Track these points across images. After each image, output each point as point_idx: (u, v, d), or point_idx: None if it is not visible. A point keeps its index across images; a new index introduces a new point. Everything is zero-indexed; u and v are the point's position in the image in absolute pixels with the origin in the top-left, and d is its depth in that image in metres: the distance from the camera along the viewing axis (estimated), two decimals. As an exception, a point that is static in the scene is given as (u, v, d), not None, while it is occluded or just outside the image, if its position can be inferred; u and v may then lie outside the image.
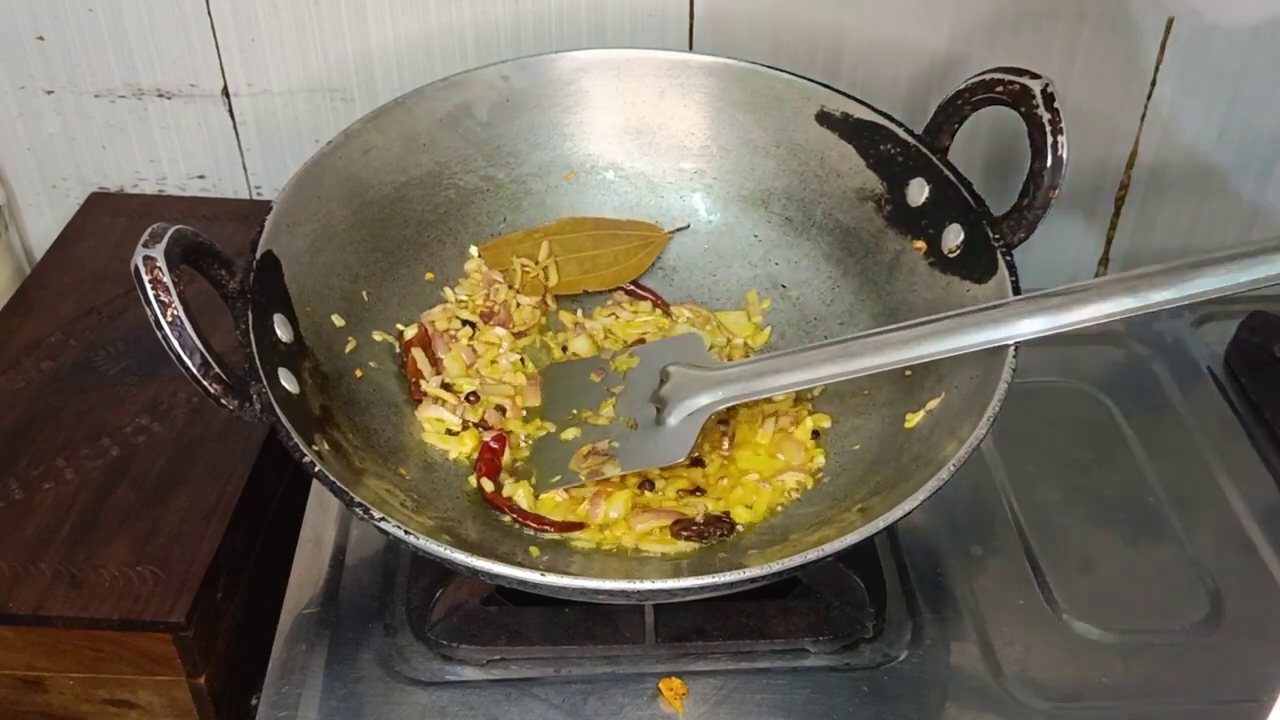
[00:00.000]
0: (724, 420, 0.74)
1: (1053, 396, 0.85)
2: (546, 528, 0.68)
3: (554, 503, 0.69)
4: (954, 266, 0.72)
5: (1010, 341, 0.63)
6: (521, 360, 0.78)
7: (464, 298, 0.79)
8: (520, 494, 0.70)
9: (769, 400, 0.74)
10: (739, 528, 0.68)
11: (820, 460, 0.72)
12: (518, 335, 0.79)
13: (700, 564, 0.66)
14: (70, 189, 0.98)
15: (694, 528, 0.67)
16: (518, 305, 0.79)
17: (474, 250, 0.81)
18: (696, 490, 0.70)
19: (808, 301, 0.80)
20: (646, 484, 0.70)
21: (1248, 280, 0.62)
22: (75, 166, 0.97)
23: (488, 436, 0.73)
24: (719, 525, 0.67)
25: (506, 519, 0.69)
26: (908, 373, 0.70)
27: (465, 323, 0.78)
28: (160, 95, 0.93)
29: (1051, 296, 0.64)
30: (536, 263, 0.81)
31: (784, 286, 0.81)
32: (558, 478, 0.70)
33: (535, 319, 0.79)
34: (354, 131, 0.76)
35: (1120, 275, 0.64)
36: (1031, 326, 0.63)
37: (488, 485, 0.70)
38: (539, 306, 0.80)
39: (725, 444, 0.73)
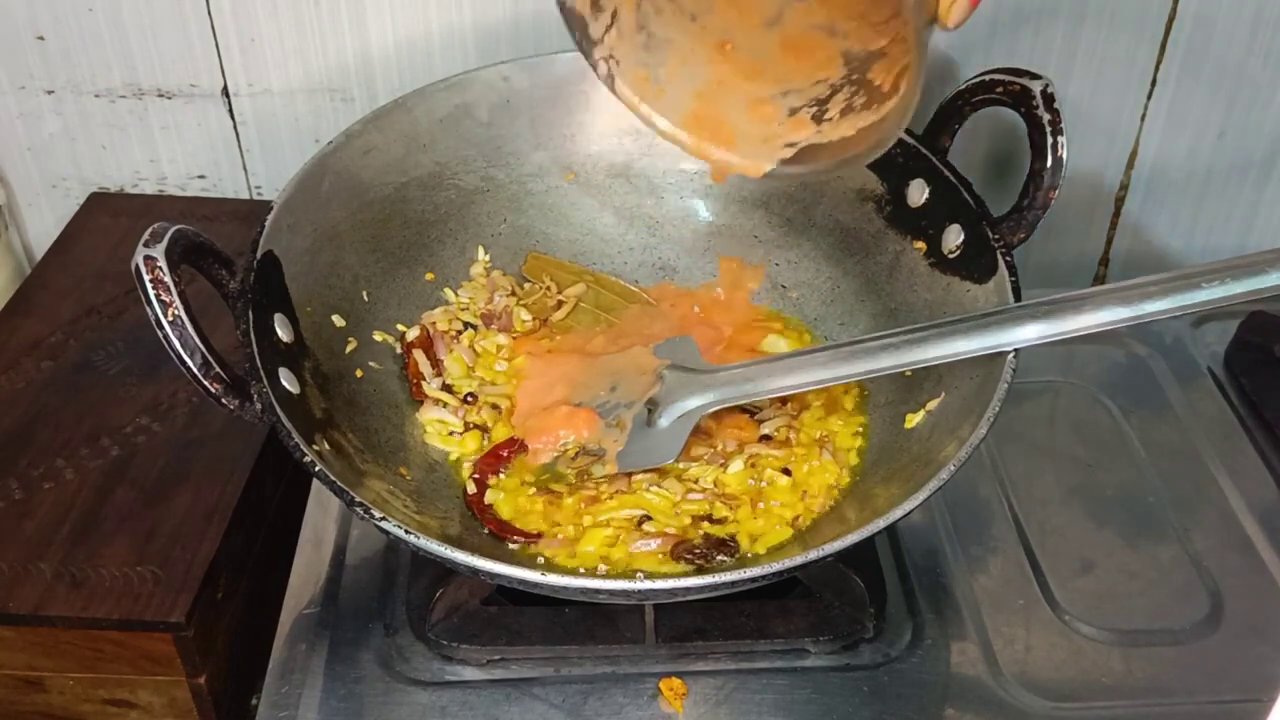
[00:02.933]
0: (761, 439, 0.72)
1: (1053, 396, 0.85)
2: (516, 538, 0.67)
3: (527, 509, 0.69)
4: (954, 267, 0.72)
5: (1004, 349, 0.63)
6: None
7: (466, 300, 0.79)
8: (500, 499, 0.69)
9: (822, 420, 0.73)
10: (742, 552, 0.66)
11: (846, 481, 0.70)
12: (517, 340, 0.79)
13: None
14: (70, 189, 0.98)
15: (695, 550, 0.65)
16: (521, 319, 0.79)
17: (481, 252, 0.81)
18: (709, 518, 0.68)
19: (808, 302, 0.80)
20: (645, 519, 0.68)
21: (1242, 293, 0.62)
22: (75, 166, 0.97)
23: (500, 441, 0.73)
24: (723, 548, 0.66)
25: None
26: (907, 373, 0.70)
27: (467, 325, 0.78)
28: (160, 95, 0.93)
29: (1045, 305, 0.64)
30: (558, 290, 0.80)
31: (784, 287, 0.81)
32: (545, 476, 0.70)
33: (534, 329, 0.79)
34: (354, 132, 0.76)
35: (1116, 285, 0.64)
36: (1026, 334, 0.63)
37: (471, 487, 0.70)
38: (536, 322, 0.79)
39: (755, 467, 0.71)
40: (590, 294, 0.80)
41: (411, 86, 0.79)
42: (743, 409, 0.73)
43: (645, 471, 0.70)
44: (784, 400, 0.74)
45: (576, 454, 0.71)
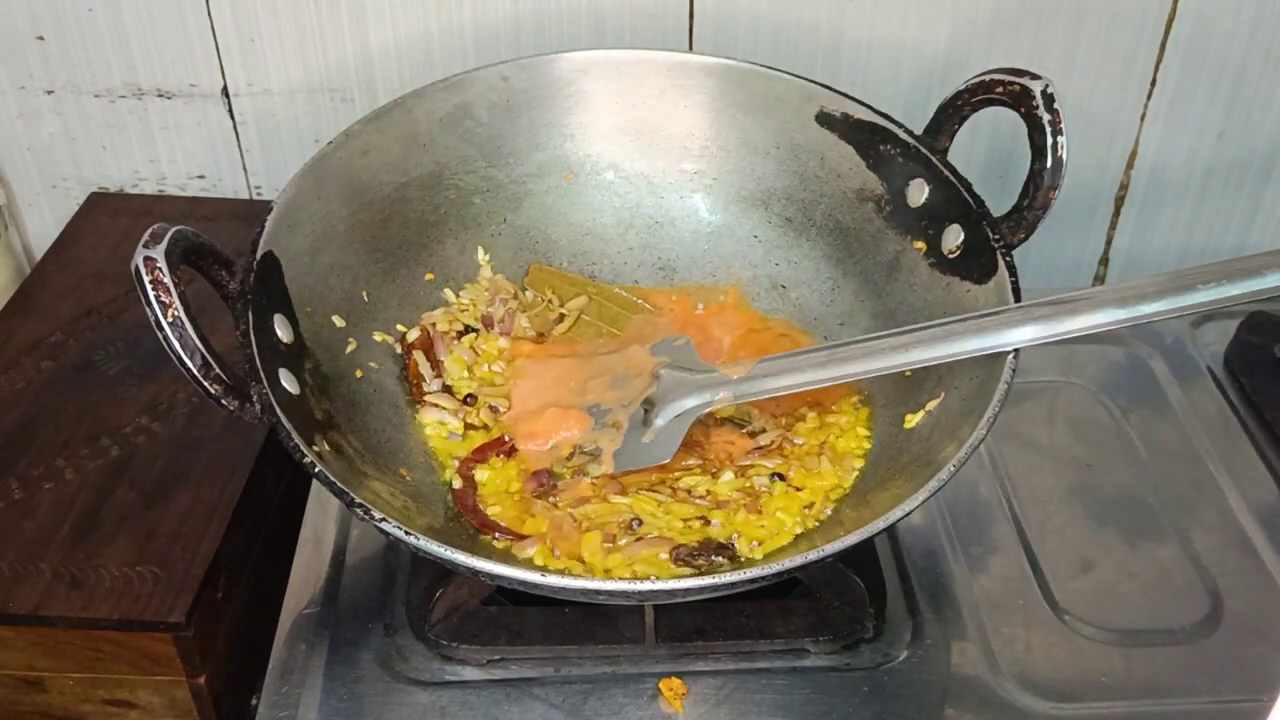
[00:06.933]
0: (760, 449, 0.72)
1: (1053, 396, 0.85)
2: (499, 535, 0.67)
3: (515, 513, 0.68)
4: (954, 267, 0.72)
5: (1003, 349, 0.63)
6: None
7: (466, 302, 0.79)
8: (489, 497, 0.69)
9: (828, 426, 0.73)
10: (741, 558, 0.66)
11: (850, 481, 0.70)
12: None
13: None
14: (70, 189, 0.98)
15: (694, 552, 0.65)
16: (522, 326, 0.79)
17: (481, 253, 0.81)
18: (704, 520, 0.68)
19: (807, 302, 0.80)
20: (636, 522, 0.67)
21: (1237, 295, 0.62)
22: (75, 166, 0.97)
23: (488, 441, 0.73)
24: (722, 551, 0.65)
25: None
26: (907, 373, 0.70)
27: (467, 328, 0.78)
28: (160, 95, 0.93)
29: (1042, 306, 0.64)
30: (560, 303, 0.80)
31: (784, 287, 0.81)
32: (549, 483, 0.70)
33: (536, 340, 0.79)
34: (354, 132, 0.76)
35: (1112, 286, 0.64)
36: (1021, 336, 0.63)
37: (458, 483, 0.70)
38: (538, 335, 0.79)
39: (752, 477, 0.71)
40: (593, 306, 0.80)
41: (411, 86, 0.79)
42: (734, 423, 0.73)
43: (638, 474, 0.70)
44: (775, 413, 0.74)
45: (572, 454, 0.71)
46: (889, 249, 0.76)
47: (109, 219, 0.94)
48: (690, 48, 0.92)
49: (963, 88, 0.72)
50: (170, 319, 0.59)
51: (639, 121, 0.82)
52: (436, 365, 0.75)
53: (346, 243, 0.75)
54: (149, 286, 0.59)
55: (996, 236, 0.69)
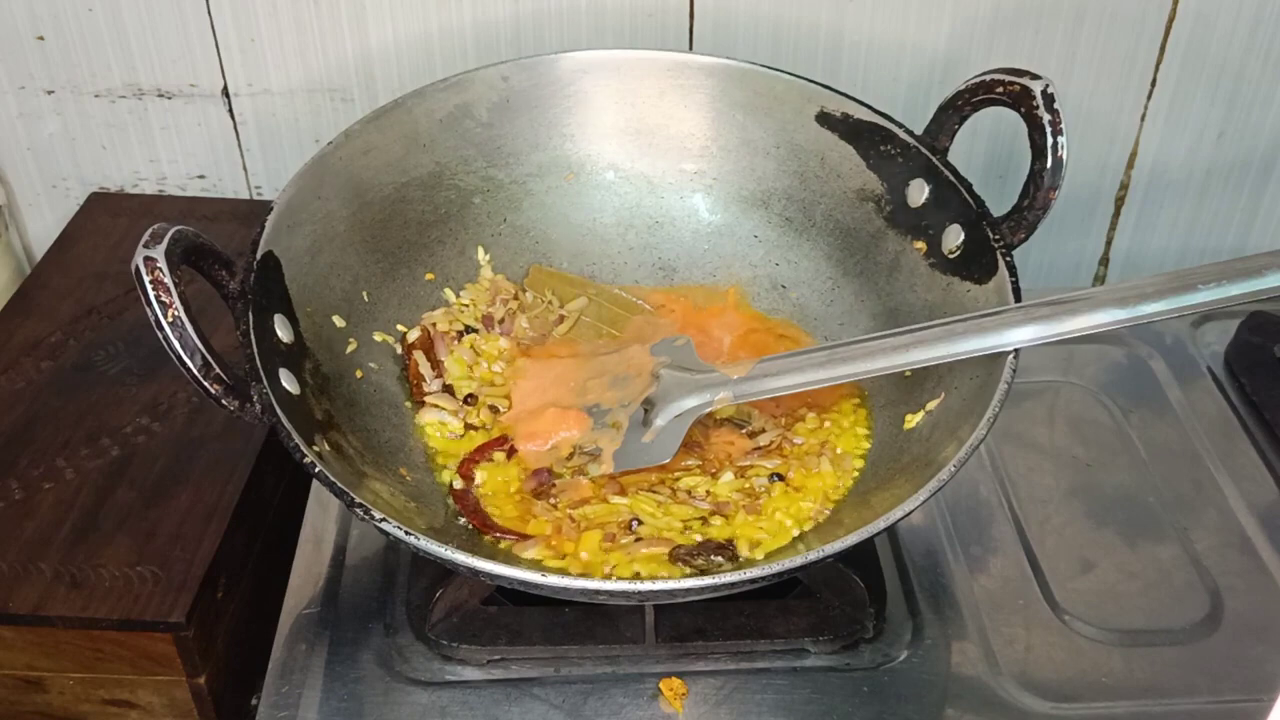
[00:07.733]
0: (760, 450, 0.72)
1: (1053, 396, 0.85)
2: (500, 534, 0.67)
3: (516, 513, 0.68)
4: (954, 267, 0.72)
5: (1003, 349, 0.63)
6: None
7: (467, 303, 0.79)
8: (488, 497, 0.69)
9: (827, 426, 0.73)
10: (741, 558, 0.66)
11: (850, 481, 0.70)
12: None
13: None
14: (70, 189, 0.98)
15: (693, 552, 0.64)
16: (522, 327, 0.79)
17: (481, 253, 0.81)
18: (703, 520, 0.68)
19: (808, 302, 0.80)
20: (635, 522, 0.67)
21: (1238, 295, 0.62)
22: (75, 166, 0.97)
23: (488, 440, 0.73)
24: (721, 551, 0.65)
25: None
26: (907, 373, 0.70)
27: (467, 328, 0.78)
28: (160, 95, 0.93)
29: (1042, 306, 0.64)
30: (560, 304, 0.80)
31: (784, 287, 0.81)
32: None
33: (536, 340, 0.79)
34: (354, 132, 0.76)
35: (1112, 286, 0.64)
36: (1021, 336, 0.63)
37: (458, 483, 0.70)
38: (538, 336, 0.79)
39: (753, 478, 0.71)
40: (592, 307, 0.80)
41: (411, 86, 0.79)
42: (734, 423, 0.73)
43: (638, 474, 0.70)
44: (775, 413, 0.74)
45: (572, 454, 0.71)
46: (889, 249, 0.76)
47: (109, 219, 0.94)
48: (690, 48, 0.92)
49: (963, 88, 0.72)
50: (170, 319, 0.59)
51: (639, 121, 0.82)
52: (437, 365, 0.75)
53: (346, 243, 0.75)
54: (149, 286, 0.59)
55: (996, 236, 0.69)
